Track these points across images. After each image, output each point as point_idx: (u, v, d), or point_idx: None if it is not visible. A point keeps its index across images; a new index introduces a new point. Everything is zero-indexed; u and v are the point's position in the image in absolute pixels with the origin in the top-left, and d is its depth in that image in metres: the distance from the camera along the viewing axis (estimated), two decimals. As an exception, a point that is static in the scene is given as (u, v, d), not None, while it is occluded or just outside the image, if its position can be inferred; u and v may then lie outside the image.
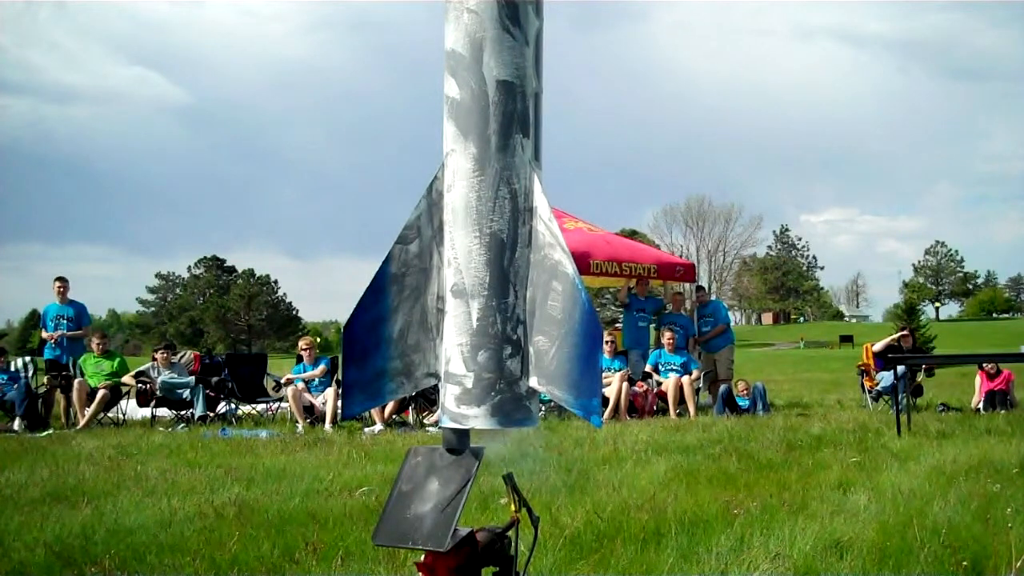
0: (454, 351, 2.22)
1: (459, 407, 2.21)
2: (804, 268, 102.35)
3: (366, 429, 9.44)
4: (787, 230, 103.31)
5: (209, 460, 6.88)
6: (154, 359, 11.08)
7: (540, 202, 2.23)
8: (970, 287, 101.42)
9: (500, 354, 2.19)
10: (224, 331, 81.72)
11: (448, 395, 2.24)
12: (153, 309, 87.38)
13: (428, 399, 9.97)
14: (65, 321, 11.18)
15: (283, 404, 11.11)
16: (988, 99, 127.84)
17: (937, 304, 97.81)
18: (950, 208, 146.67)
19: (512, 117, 2.22)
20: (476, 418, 2.20)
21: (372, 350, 2.27)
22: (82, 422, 10.02)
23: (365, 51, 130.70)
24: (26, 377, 10.67)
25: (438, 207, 2.29)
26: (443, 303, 2.27)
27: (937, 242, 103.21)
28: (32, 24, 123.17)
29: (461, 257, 2.22)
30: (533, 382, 2.22)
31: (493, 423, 2.20)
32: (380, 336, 2.27)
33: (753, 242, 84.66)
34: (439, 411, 2.32)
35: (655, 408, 11.02)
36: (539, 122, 2.29)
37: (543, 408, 10.53)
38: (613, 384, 10.52)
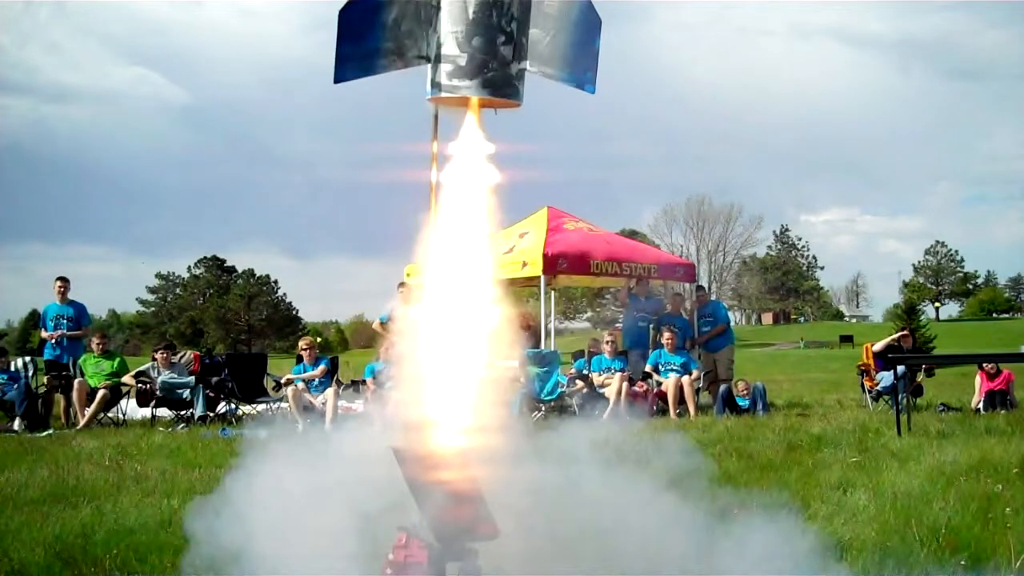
0: (448, 38, 2.32)
1: (451, 80, 2.32)
2: (804, 268, 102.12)
3: (366, 429, 9.43)
4: (787, 230, 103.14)
5: (209, 460, 6.88)
6: (154, 359, 11.08)
7: None
8: (970, 287, 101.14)
9: (494, 41, 2.29)
10: (224, 331, 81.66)
11: (441, 72, 2.36)
12: (153, 309, 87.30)
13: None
14: (65, 321, 11.16)
15: (283, 404, 11.10)
16: (988, 99, 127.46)
17: (937, 304, 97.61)
18: (950, 208, 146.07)
19: None
20: (468, 88, 2.34)
21: (366, 32, 2.40)
22: (82, 422, 10.02)
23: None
24: (26, 377, 10.66)
25: None
26: None
27: (937, 242, 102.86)
28: (32, 24, 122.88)
29: None
30: (525, 64, 2.33)
31: (484, 94, 2.31)
32: (374, 22, 2.39)
33: (753, 242, 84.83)
34: (427, 86, 2.42)
35: (655, 408, 11.01)
36: None
37: (542, 408, 10.52)
38: (613, 384, 10.52)
